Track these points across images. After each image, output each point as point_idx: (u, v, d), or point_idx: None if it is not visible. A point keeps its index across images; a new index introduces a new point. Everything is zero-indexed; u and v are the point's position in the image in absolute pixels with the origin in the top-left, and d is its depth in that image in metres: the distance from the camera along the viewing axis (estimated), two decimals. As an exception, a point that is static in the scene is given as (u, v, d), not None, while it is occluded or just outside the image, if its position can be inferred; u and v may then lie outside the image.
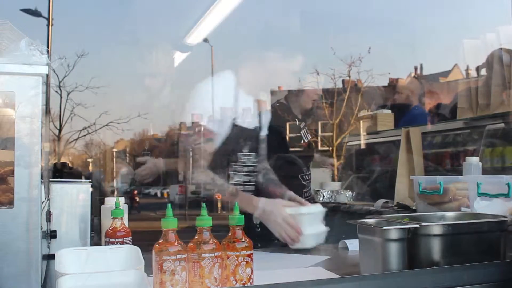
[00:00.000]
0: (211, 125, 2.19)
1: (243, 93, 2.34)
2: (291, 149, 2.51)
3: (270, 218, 1.97)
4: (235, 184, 2.25)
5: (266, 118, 2.47)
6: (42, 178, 1.18)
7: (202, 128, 2.16)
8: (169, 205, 1.22)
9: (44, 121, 1.22)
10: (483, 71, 3.16)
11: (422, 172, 2.97)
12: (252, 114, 2.36)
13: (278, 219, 1.95)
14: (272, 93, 2.79)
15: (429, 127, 3.89)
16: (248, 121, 2.35)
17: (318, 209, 2.01)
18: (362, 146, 4.52)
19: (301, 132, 2.71)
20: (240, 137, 2.29)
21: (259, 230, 2.00)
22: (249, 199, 2.07)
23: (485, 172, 2.24)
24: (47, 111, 1.59)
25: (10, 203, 1.12)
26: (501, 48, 3.05)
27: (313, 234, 1.93)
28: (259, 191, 2.25)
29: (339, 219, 2.48)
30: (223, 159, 2.25)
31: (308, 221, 1.94)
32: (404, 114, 4.09)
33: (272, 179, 2.40)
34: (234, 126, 2.27)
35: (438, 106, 4.38)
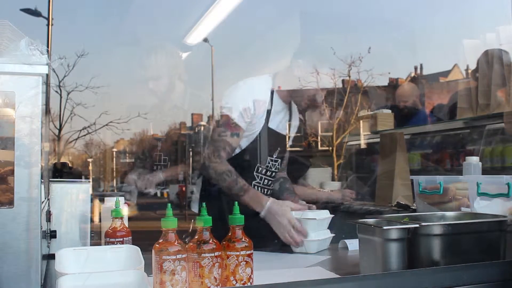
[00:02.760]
0: (241, 121, 2.22)
1: (276, 97, 2.38)
2: (292, 148, 2.55)
3: (275, 218, 1.99)
4: (254, 185, 2.30)
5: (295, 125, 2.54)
6: (42, 178, 1.18)
7: (231, 121, 2.21)
8: (169, 205, 1.22)
9: (44, 121, 1.22)
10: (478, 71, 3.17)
11: (407, 173, 2.96)
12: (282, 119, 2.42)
13: (283, 221, 1.97)
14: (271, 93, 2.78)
15: (429, 127, 3.89)
16: (282, 126, 2.41)
17: (324, 215, 2.02)
18: (362, 146, 4.52)
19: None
20: (272, 141, 2.35)
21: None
22: (258, 197, 2.10)
23: (485, 172, 2.24)
24: (47, 111, 1.59)
25: (10, 203, 1.12)
26: (500, 49, 3.05)
27: (317, 240, 1.95)
28: (274, 197, 2.24)
29: (339, 219, 2.49)
30: (247, 158, 2.31)
31: (313, 226, 1.94)
32: (410, 119, 4.09)
33: (288, 189, 2.48)
34: (268, 128, 2.33)
35: (438, 106, 4.38)
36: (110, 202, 1.62)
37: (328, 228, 2.06)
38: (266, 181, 2.37)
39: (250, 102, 2.26)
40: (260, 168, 2.34)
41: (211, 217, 1.25)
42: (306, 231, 1.94)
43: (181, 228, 1.25)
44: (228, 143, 2.20)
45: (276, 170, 2.39)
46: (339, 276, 1.46)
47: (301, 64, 2.40)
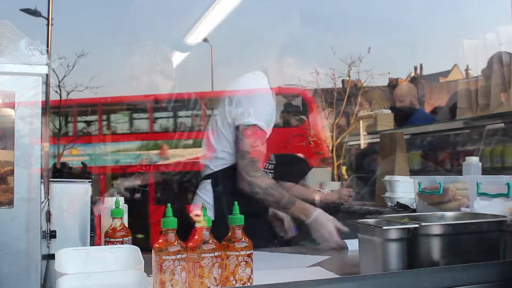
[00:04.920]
0: (265, 127, 2.21)
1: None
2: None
3: (320, 227, 2.10)
4: None
5: None
6: (42, 178, 1.18)
7: (257, 129, 2.18)
8: (169, 205, 1.22)
9: (44, 121, 1.22)
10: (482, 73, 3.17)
11: (407, 173, 2.96)
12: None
13: (325, 232, 2.09)
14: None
15: (429, 127, 3.89)
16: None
17: None
18: (362, 146, 4.52)
19: None
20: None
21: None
22: (306, 208, 2.17)
23: (485, 172, 2.24)
24: (47, 111, 1.59)
25: (10, 203, 1.12)
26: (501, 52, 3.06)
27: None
28: None
29: (339, 219, 2.49)
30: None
31: None
32: (408, 118, 4.11)
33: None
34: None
35: (438, 106, 4.38)
36: (110, 202, 1.62)
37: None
38: (270, 175, 2.40)
39: (270, 103, 2.28)
40: (266, 170, 2.37)
41: (210, 217, 1.25)
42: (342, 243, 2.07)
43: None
44: (262, 153, 2.20)
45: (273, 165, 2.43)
46: (339, 276, 1.46)
47: (291, 62, 2.39)
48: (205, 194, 2.33)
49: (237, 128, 2.20)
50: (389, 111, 4.23)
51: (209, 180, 2.33)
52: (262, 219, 2.33)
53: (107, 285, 1.13)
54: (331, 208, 2.84)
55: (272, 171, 2.44)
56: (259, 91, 2.30)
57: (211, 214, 2.25)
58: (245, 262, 1.24)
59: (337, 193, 2.91)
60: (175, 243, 1.18)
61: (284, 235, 2.40)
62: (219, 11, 3.56)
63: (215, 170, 2.31)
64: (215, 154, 2.33)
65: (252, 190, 2.16)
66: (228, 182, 2.25)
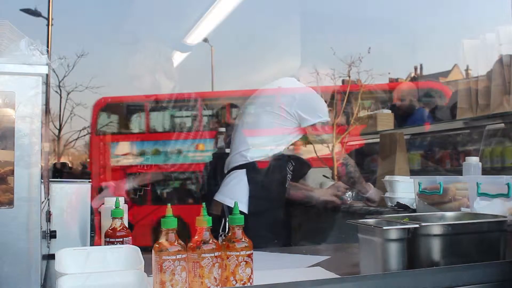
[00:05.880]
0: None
1: None
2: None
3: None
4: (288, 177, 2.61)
5: None
6: (42, 178, 1.18)
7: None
8: (169, 205, 1.22)
9: (44, 121, 1.22)
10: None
11: (407, 173, 2.97)
12: None
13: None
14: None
15: (430, 127, 3.89)
16: None
17: None
18: (362, 146, 4.51)
19: None
20: None
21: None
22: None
23: (485, 172, 2.24)
24: (47, 111, 1.59)
25: (10, 203, 1.12)
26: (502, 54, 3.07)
27: None
28: None
29: (339, 219, 2.49)
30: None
31: None
32: (408, 117, 4.11)
33: None
34: None
35: (438, 106, 4.38)
36: (110, 202, 1.62)
37: (329, 227, 2.10)
38: (289, 176, 2.58)
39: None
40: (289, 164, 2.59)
41: (211, 217, 1.25)
42: None
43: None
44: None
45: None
46: (339, 276, 1.46)
47: (291, 62, 2.68)
48: (239, 183, 2.38)
49: (313, 127, 2.50)
50: (389, 111, 4.23)
51: (243, 170, 2.41)
52: (263, 219, 2.33)
53: (107, 285, 1.13)
54: (332, 208, 2.83)
55: (292, 172, 2.56)
56: (311, 90, 2.62)
57: (244, 207, 2.34)
58: (245, 262, 1.24)
59: (335, 187, 2.93)
60: (175, 243, 1.18)
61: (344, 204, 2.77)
62: (219, 11, 3.56)
63: (251, 160, 2.42)
64: (254, 145, 2.46)
65: (347, 170, 2.64)
66: (264, 172, 2.42)
